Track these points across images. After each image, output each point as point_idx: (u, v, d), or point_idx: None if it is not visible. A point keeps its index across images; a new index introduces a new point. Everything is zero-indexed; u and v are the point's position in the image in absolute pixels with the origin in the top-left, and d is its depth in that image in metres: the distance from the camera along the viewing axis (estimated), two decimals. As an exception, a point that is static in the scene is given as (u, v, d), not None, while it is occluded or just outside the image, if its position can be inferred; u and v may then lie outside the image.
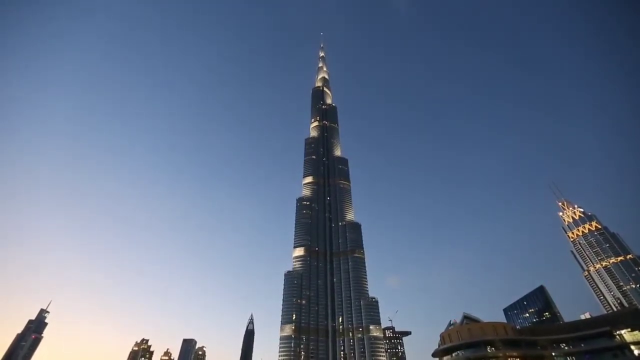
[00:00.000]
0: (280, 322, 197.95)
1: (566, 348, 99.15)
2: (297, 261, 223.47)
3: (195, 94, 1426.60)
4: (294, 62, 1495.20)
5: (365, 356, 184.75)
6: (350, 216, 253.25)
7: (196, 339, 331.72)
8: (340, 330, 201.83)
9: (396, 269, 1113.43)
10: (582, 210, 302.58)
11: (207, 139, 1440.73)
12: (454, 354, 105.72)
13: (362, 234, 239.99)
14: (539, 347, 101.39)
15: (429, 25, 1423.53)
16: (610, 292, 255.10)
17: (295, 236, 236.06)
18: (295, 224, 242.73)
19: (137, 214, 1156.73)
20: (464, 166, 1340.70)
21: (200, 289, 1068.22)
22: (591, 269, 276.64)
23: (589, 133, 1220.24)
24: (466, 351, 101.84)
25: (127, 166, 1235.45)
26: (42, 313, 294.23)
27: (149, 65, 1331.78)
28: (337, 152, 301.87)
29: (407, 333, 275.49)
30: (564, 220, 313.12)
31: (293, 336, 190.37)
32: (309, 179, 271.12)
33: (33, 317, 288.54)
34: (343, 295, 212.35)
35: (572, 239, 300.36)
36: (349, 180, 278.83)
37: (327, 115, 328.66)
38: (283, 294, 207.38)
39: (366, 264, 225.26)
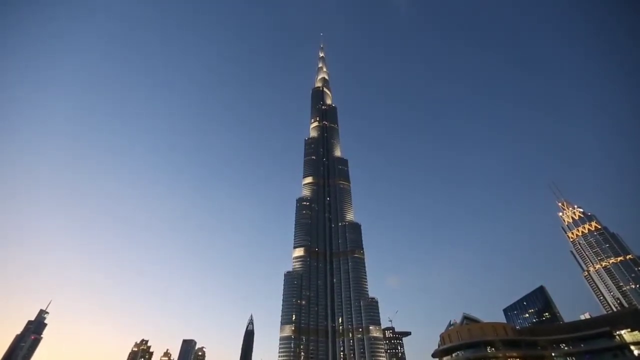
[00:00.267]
0: (280, 323, 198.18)
1: (566, 348, 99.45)
2: (297, 261, 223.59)
3: (195, 93, 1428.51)
4: (293, 62, 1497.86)
5: (365, 357, 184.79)
6: (350, 216, 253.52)
7: (196, 340, 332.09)
8: (340, 330, 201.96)
9: (396, 269, 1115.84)
10: (581, 210, 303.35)
11: (207, 138, 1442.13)
12: (453, 355, 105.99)
13: (362, 234, 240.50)
14: (539, 348, 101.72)
15: (429, 25, 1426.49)
16: (610, 292, 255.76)
17: (295, 236, 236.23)
18: (295, 224, 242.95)
19: (136, 214, 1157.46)
20: (464, 166, 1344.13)
21: (200, 289, 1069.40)
22: (591, 269, 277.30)
23: (588, 133, 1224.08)
24: (466, 351, 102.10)
25: (126, 166, 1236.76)
26: (42, 314, 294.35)
27: (148, 64, 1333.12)
28: (337, 153, 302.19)
29: (407, 333, 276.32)
30: (564, 220, 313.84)
31: (293, 337, 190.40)
32: (308, 179, 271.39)
33: (32, 318, 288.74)
34: (343, 295, 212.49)
35: (571, 239, 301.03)
36: (348, 181, 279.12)
37: (327, 115, 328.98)
38: (283, 295, 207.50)
39: (366, 264, 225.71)
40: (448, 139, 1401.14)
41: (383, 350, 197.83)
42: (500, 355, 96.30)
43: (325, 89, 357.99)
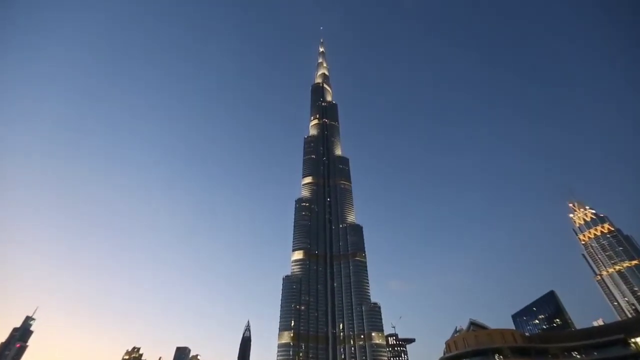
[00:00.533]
0: (278, 329, 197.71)
1: (578, 356, 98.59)
2: (295, 265, 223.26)
3: (192, 93, 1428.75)
4: (292, 58, 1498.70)
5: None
6: (351, 218, 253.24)
7: (190, 347, 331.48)
8: (341, 337, 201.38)
9: (399, 273, 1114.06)
10: (593, 211, 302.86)
11: (201, 137, 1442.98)
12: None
13: (364, 237, 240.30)
14: (549, 356, 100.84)
15: (433, 18, 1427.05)
16: (624, 297, 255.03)
17: (294, 239, 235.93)
18: (294, 226, 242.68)
19: (128, 217, 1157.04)
20: (471, 166, 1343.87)
21: (195, 294, 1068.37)
22: (604, 273, 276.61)
23: (599, 131, 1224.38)
24: (473, 359, 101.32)
25: (118, 168, 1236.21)
26: (28, 320, 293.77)
27: (140, 62, 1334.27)
28: (338, 152, 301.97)
29: (411, 340, 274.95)
30: (575, 222, 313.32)
31: (292, 343, 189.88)
32: (308, 179, 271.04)
33: (18, 325, 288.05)
34: (344, 300, 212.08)
35: (583, 242, 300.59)
36: (350, 181, 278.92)
37: (327, 112, 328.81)
38: (281, 300, 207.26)
39: (368, 268, 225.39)
40: (455, 139, 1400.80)
41: (386, 358, 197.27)
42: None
43: (325, 85, 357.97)
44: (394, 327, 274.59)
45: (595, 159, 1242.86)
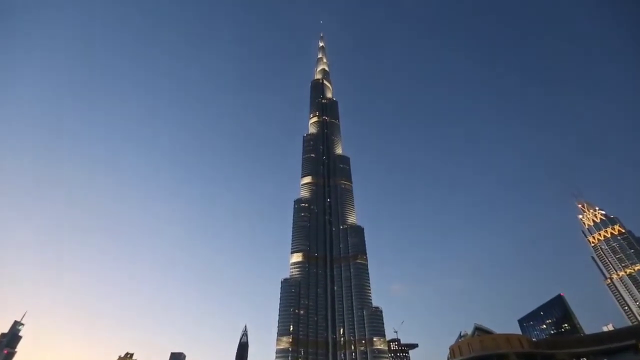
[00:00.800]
0: (276, 334, 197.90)
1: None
2: (294, 268, 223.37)
3: (189, 91, 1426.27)
4: (291, 57, 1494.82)
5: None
6: (352, 219, 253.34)
7: (185, 353, 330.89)
8: (342, 342, 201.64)
9: (402, 276, 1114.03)
10: (603, 212, 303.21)
11: (198, 140, 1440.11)
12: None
13: (365, 239, 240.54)
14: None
15: (434, 18, 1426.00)
16: (636, 301, 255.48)
17: (292, 241, 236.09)
18: (293, 227, 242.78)
19: (121, 219, 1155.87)
20: (476, 166, 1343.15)
21: (190, 298, 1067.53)
22: (614, 276, 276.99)
23: (608, 129, 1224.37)
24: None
25: (111, 171, 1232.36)
26: (16, 325, 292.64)
27: (132, 62, 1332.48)
28: (338, 150, 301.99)
29: (414, 345, 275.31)
30: (584, 223, 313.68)
31: (290, 349, 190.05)
32: (307, 179, 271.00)
33: (6, 330, 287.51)
34: (344, 304, 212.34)
35: (592, 244, 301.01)
36: (350, 181, 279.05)
37: (327, 110, 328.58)
38: (279, 304, 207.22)
39: (369, 271, 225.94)
40: (460, 138, 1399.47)
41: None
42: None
43: (325, 82, 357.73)
44: (396, 332, 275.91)
45: (603, 160, 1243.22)
